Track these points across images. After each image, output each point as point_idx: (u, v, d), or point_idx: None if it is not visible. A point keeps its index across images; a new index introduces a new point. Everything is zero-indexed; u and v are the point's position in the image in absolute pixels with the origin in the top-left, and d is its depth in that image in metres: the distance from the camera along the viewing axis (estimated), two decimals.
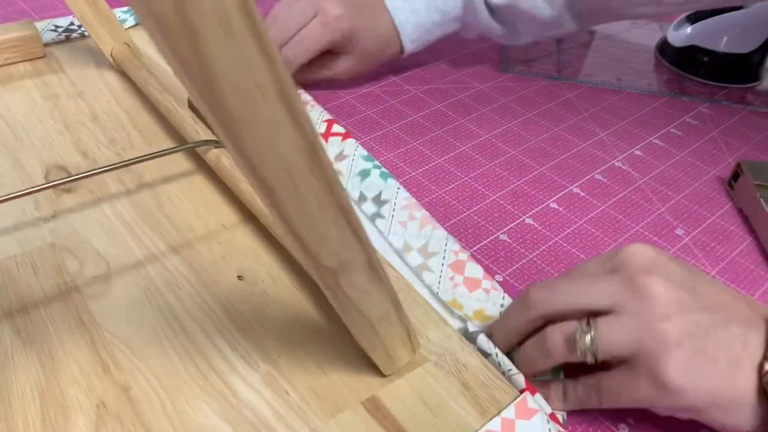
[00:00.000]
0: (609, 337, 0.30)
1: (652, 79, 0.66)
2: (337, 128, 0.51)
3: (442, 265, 0.40)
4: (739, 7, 0.65)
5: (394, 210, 0.43)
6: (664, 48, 0.71)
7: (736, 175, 0.49)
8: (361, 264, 0.25)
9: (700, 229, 0.47)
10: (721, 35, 0.65)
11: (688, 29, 0.68)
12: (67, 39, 0.57)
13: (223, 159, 0.41)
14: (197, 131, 0.43)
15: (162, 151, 0.41)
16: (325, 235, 0.23)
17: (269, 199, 0.20)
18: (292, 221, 0.22)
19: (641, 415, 0.34)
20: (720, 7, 0.64)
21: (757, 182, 0.47)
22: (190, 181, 0.43)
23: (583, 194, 0.49)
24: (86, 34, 0.57)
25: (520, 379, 0.32)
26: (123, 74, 0.53)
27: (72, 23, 0.57)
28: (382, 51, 0.58)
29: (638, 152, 0.55)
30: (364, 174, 0.46)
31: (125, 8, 0.60)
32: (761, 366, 0.28)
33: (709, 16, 0.67)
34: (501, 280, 0.41)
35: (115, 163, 0.40)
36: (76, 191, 0.41)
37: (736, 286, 0.42)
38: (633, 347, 0.29)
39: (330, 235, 0.23)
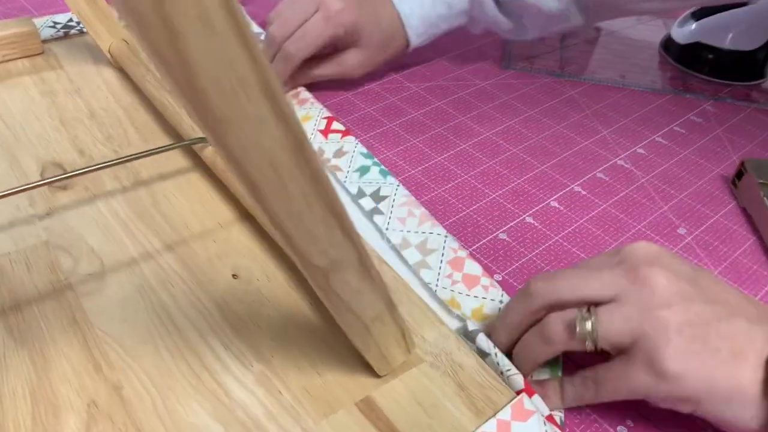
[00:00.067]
0: (609, 323, 0.29)
1: (655, 77, 0.66)
2: (336, 125, 0.51)
3: (441, 262, 0.39)
4: (744, 4, 0.64)
5: (392, 206, 0.43)
6: (668, 45, 0.70)
7: (739, 174, 0.49)
8: (352, 264, 0.25)
9: (702, 228, 0.46)
10: (726, 32, 0.65)
11: (693, 26, 0.67)
12: (66, 35, 0.56)
13: (219, 156, 0.40)
14: (194, 128, 0.43)
15: (158, 148, 0.41)
16: (313, 233, 0.22)
17: (255, 195, 0.20)
18: (280, 219, 0.21)
19: (641, 416, 0.33)
20: (725, 3, 0.63)
21: (761, 181, 0.46)
22: (187, 178, 0.43)
23: (585, 193, 0.49)
24: (85, 30, 0.57)
25: (519, 380, 0.32)
26: (121, 71, 0.53)
27: (71, 20, 0.57)
28: (388, 44, 0.57)
29: (641, 150, 0.54)
30: (363, 170, 0.46)
31: None
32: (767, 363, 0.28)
33: (714, 13, 0.66)
34: (500, 279, 0.41)
35: (111, 160, 0.40)
36: (71, 188, 0.41)
37: (739, 286, 0.41)
38: (632, 334, 0.29)
39: (319, 233, 0.23)
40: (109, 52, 0.52)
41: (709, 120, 0.59)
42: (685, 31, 0.68)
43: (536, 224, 0.45)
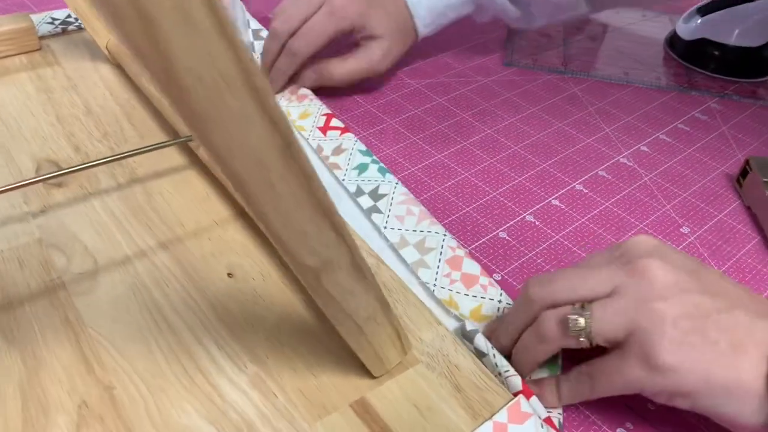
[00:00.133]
0: (603, 318, 0.29)
1: (660, 73, 0.65)
2: (335, 122, 0.50)
3: (439, 261, 0.39)
4: (751, 0, 0.63)
5: (391, 204, 0.42)
6: (673, 41, 0.69)
7: (744, 172, 0.48)
8: (344, 264, 0.24)
9: (706, 227, 0.45)
10: (732, 28, 0.64)
11: (698, 22, 0.66)
12: (64, 32, 0.56)
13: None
14: None
15: (153, 145, 0.40)
16: (303, 233, 0.22)
17: (242, 194, 0.20)
18: (269, 218, 0.21)
19: (640, 418, 0.33)
20: None
21: (765, 179, 0.46)
22: (183, 176, 0.42)
23: (586, 191, 0.48)
24: (83, 27, 0.57)
25: (516, 381, 0.31)
26: (119, 67, 0.52)
27: (69, 15, 0.56)
28: (402, 34, 0.56)
29: (644, 148, 0.53)
30: (362, 168, 0.45)
31: None
32: None
33: (720, 9, 0.65)
34: (499, 278, 0.40)
35: (106, 157, 0.39)
36: (66, 186, 0.41)
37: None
38: (627, 328, 0.28)
39: (309, 233, 0.22)
40: (106, 48, 0.51)
41: (714, 117, 0.58)
42: (690, 27, 0.67)
43: (537, 223, 0.44)
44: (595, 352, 0.30)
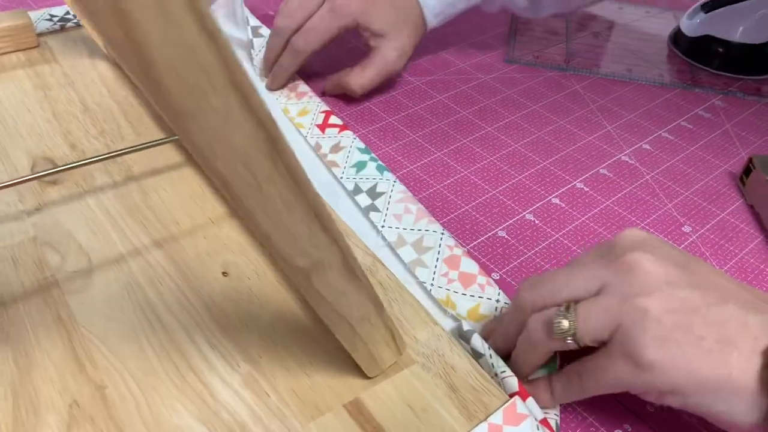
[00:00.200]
0: (588, 318, 0.28)
1: (663, 70, 0.64)
2: (334, 119, 0.50)
3: (437, 260, 0.38)
4: None
5: (389, 203, 0.42)
6: (677, 38, 0.68)
7: (747, 170, 0.47)
8: (336, 265, 0.24)
9: (708, 226, 0.45)
10: (737, 25, 0.63)
11: (702, 18, 0.65)
12: (62, 28, 0.56)
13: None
14: None
15: (149, 142, 0.40)
16: (293, 233, 0.21)
17: (228, 193, 0.19)
18: (256, 219, 0.20)
19: (639, 420, 0.32)
20: None
21: None
22: (179, 173, 0.42)
23: (587, 189, 0.47)
24: (82, 23, 0.56)
25: (513, 382, 0.31)
26: (116, 65, 0.52)
27: (68, 12, 0.56)
28: (411, 27, 0.55)
29: (646, 146, 0.53)
30: (360, 166, 0.45)
31: None
32: (767, 351, 0.26)
33: (725, 5, 0.64)
34: (498, 278, 0.40)
35: (102, 155, 0.39)
36: (61, 183, 0.40)
37: None
38: (612, 326, 0.27)
39: (299, 234, 0.22)
40: (104, 45, 0.51)
41: (718, 115, 0.57)
42: (694, 24, 0.66)
43: (536, 221, 0.44)
44: (594, 350, 0.30)
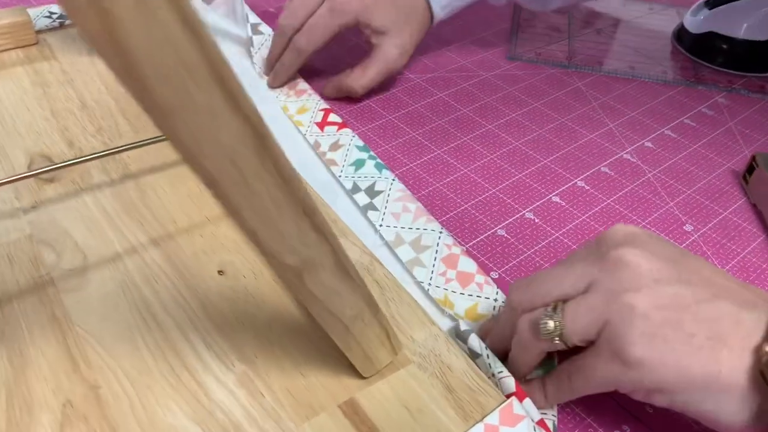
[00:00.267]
0: (575, 317, 0.27)
1: (667, 67, 0.64)
2: (333, 117, 0.50)
3: (435, 259, 0.38)
4: None
5: (387, 202, 0.42)
6: (681, 35, 0.68)
7: (750, 169, 0.47)
8: (328, 263, 0.24)
9: (710, 225, 0.44)
10: (741, 21, 0.62)
11: (706, 15, 0.65)
12: (62, 26, 0.56)
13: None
14: None
15: (147, 140, 0.40)
16: (282, 231, 0.21)
17: (215, 193, 0.19)
18: (244, 217, 0.20)
19: (637, 420, 0.32)
20: None
21: None
22: (177, 171, 0.42)
23: (588, 188, 0.47)
24: None
25: (510, 383, 0.31)
26: None
27: None
28: (415, 22, 0.54)
29: (649, 144, 0.52)
30: (359, 164, 0.45)
31: None
32: (760, 348, 0.25)
33: (729, 1, 0.64)
34: (496, 277, 0.39)
35: (99, 152, 0.39)
36: (58, 181, 0.40)
37: None
38: (599, 324, 0.27)
39: (289, 232, 0.21)
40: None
41: (721, 112, 0.57)
42: (698, 20, 0.65)
43: (536, 220, 0.44)
44: (571, 350, 0.29)
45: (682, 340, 0.25)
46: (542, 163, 0.49)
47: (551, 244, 0.42)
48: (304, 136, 0.49)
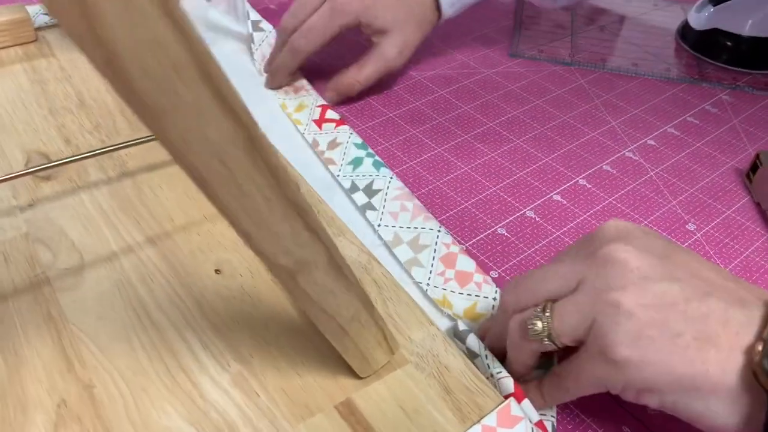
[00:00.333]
0: (562, 317, 0.27)
1: (670, 65, 0.63)
2: (331, 114, 0.49)
3: (433, 258, 0.38)
4: None
5: (385, 201, 0.41)
6: (684, 32, 0.67)
7: (754, 167, 0.46)
8: (322, 263, 0.23)
9: (713, 224, 0.44)
10: (746, 18, 0.62)
11: (711, 11, 0.64)
12: None
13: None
14: None
15: (144, 137, 0.40)
16: (275, 232, 0.21)
17: (204, 190, 0.19)
18: (236, 217, 0.20)
19: (638, 422, 0.32)
20: None
21: None
22: (174, 169, 0.42)
23: (590, 186, 0.46)
24: None
25: (509, 383, 0.30)
26: None
27: None
28: (419, 20, 0.53)
29: (651, 142, 0.52)
30: (357, 162, 0.44)
31: None
32: (751, 347, 0.24)
33: None
34: (496, 276, 0.39)
35: (96, 150, 0.39)
36: (55, 179, 0.40)
37: None
38: (586, 324, 0.26)
39: (281, 232, 0.21)
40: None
41: (725, 110, 0.56)
42: (702, 17, 0.65)
43: (537, 219, 0.43)
44: (562, 351, 0.29)
45: (668, 339, 0.25)
46: (543, 161, 0.49)
47: (552, 243, 0.41)
48: (302, 134, 0.48)
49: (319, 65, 0.58)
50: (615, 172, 0.48)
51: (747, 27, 0.62)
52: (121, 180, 0.40)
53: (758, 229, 0.43)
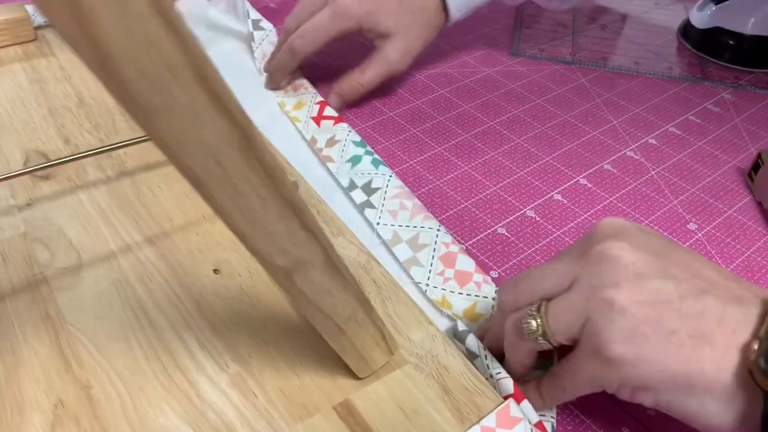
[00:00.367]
0: (556, 316, 0.27)
1: (672, 63, 0.63)
2: (329, 111, 0.49)
3: (432, 257, 0.37)
4: None
5: (384, 199, 0.41)
6: (686, 30, 0.67)
7: (756, 166, 0.46)
8: (318, 263, 0.23)
9: (714, 223, 0.43)
10: (748, 16, 0.61)
11: (713, 10, 0.64)
12: None
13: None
14: None
15: (143, 137, 0.39)
16: (271, 232, 0.21)
17: (198, 190, 0.19)
18: (231, 217, 0.20)
19: (638, 422, 0.31)
20: None
21: None
22: (173, 169, 0.41)
23: (590, 185, 0.46)
24: None
25: (508, 384, 0.30)
26: None
27: None
28: (424, 24, 0.53)
29: (653, 141, 0.51)
30: (355, 160, 0.44)
31: None
32: (747, 346, 0.24)
33: None
34: (496, 276, 0.39)
35: (94, 149, 0.39)
36: (54, 178, 0.40)
37: None
38: (581, 322, 0.26)
39: (277, 232, 0.21)
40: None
41: (727, 109, 0.56)
42: (704, 16, 0.64)
43: (537, 218, 0.43)
44: (558, 350, 0.29)
45: (662, 336, 0.25)
46: (544, 160, 0.49)
47: (552, 242, 0.41)
48: (301, 133, 0.48)
49: (319, 65, 0.57)
50: (616, 171, 0.48)
51: (749, 25, 0.61)
52: (120, 179, 0.40)
53: (760, 228, 0.43)
